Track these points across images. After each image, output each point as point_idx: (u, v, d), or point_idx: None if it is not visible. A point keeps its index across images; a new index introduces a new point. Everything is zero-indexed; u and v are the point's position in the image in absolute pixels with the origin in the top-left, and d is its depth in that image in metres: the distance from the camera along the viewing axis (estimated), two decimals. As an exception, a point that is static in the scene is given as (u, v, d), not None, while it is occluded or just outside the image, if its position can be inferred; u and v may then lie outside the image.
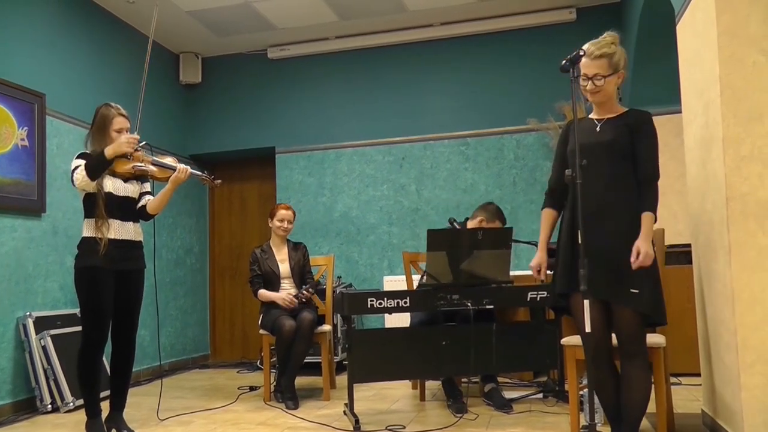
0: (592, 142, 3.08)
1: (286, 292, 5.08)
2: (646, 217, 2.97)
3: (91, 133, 3.96)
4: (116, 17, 6.40)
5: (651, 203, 3.00)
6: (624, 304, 2.96)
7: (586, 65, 3.02)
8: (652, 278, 2.98)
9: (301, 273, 5.30)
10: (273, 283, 5.18)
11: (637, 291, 2.93)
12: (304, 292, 5.07)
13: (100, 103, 4.06)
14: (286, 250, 5.34)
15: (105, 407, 4.03)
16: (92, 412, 3.91)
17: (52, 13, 5.54)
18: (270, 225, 5.34)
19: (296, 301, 5.04)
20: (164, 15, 6.42)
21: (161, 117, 7.02)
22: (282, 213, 5.30)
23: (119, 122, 3.92)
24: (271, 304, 5.07)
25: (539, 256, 3.32)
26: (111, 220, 3.82)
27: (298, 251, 5.38)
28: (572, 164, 2.95)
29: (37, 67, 5.31)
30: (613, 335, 3.11)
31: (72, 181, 3.81)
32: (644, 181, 3.03)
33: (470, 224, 4.84)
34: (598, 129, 3.11)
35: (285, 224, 5.29)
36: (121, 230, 3.87)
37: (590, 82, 3.04)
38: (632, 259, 2.88)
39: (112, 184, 3.86)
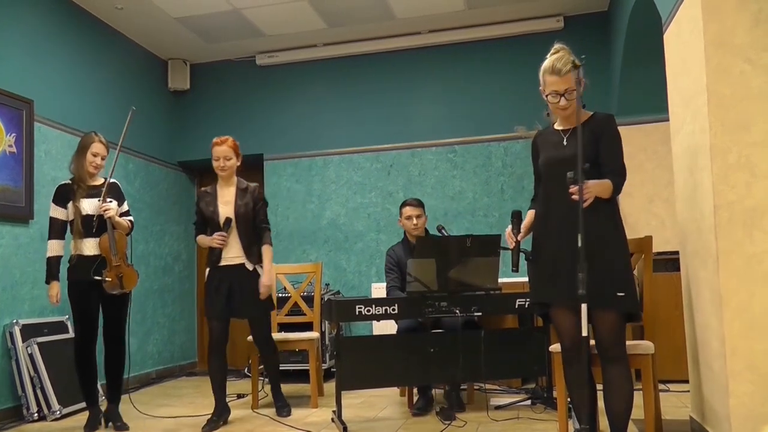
0: (559, 155, 3.11)
1: (217, 235, 4.42)
2: (607, 181, 3.00)
3: (74, 156, 4.48)
4: (105, 23, 6.37)
5: (616, 182, 3.02)
6: (610, 307, 2.96)
7: (556, 82, 3.05)
8: (631, 278, 3.02)
9: (251, 220, 4.53)
10: (213, 231, 4.49)
11: (623, 294, 2.94)
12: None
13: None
14: (233, 190, 4.54)
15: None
16: (89, 401, 4.45)
17: (41, 20, 5.51)
18: None
19: (226, 236, 4.42)
20: (153, 21, 6.42)
21: (149, 123, 6.98)
22: (216, 150, 4.49)
23: (96, 147, 4.41)
24: (211, 286, 4.48)
25: (515, 230, 3.46)
26: (85, 239, 4.35)
27: (248, 193, 4.54)
28: (548, 177, 3.10)
29: (25, 73, 5.28)
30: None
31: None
32: (611, 174, 3.04)
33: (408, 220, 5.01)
34: (564, 142, 3.15)
35: (221, 162, 4.48)
36: (94, 247, 4.38)
37: (562, 98, 3.06)
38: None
39: (88, 206, 4.34)
